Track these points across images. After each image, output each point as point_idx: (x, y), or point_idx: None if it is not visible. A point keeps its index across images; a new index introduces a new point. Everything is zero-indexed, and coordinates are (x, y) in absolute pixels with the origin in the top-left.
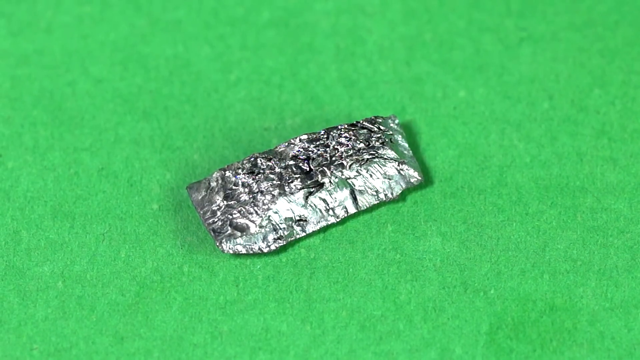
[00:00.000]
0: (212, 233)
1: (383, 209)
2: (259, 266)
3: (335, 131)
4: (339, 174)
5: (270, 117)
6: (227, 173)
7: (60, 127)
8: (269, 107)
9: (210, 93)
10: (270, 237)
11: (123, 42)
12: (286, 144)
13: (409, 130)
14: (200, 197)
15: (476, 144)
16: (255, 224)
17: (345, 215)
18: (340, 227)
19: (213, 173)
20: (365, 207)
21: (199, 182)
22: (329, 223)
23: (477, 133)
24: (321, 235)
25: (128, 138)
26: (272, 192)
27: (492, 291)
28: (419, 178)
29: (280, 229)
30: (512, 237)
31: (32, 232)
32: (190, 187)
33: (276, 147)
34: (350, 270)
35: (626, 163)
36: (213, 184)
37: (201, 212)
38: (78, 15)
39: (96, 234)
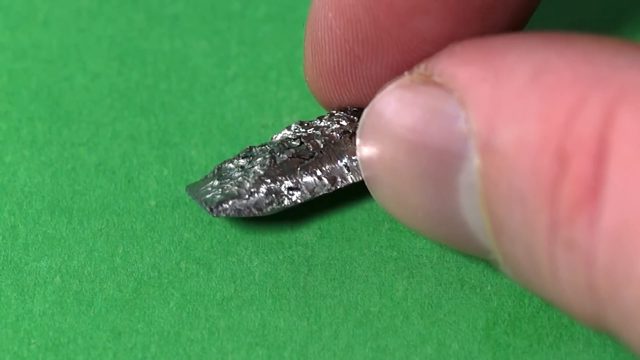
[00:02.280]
0: (203, 204)
1: (380, 206)
2: (256, 263)
3: (330, 117)
4: (333, 146)
5: (268, 113)
6: (223, 165)
7: (58, 122)
8: (266, 103)
9: (208, 89)
10: (263, 201)
11: (120, 36)
12: (280, 133)
13: None
14: (196, 187)
15: None
16: (246, 189)
17: (341, 184)
18: (337, 225)
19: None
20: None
21: (197, 182)
22: (325, 191)
23: None
24: (318, 232)
25: (125, 133)
26: (265, 163)
27: (488, 287)
28: None
29: (273, 192)
30: None
31: (30, 227)
32: (189, 186)
33: (271, 137)
34: (347, 267)
35: None
36: (209, 175)
37: (196, 196)
38: (75, 9)
39: (94, 230)
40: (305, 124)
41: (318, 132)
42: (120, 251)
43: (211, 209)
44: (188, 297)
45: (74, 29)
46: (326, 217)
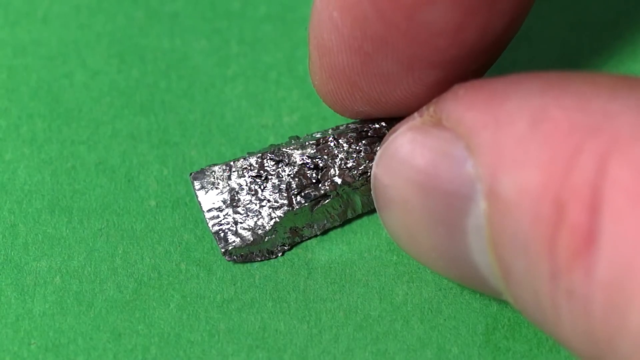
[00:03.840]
0: (216, 237)
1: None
2: (256, 265)
3: (343, 138)
4: (347, 187)
5: (267, 113)
6: (233, 174)
7: (58, 120)
8: (266, 103)
9: (208, 88)
10: (274, 246)
11: (120, 34)
12: (294, 145)
13: None
14: (205, 194)
15: None
16: (259, 234)
17: (352, 215)
18: (337, 229)
19: (216, 167)
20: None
21: (203, 173)
22: (335, 225)
23: None
24: (319, 236)
25: (125, 132)
26: (279, 201)
27: None
28: None
29: (284, 237)
30: None
31: (30, 226)
32: (194, 178)
33: (285, 146)
34: (347, 271)
35: None
36: (219, 182)
37: (205, 211)
38: (75, 6)
39: (94, 230)
40: (324, 150)
41: (335, 167)
42: (120, 252)
43: (225, 252)
44: (188, 299)
45: (74, 26)
46: None
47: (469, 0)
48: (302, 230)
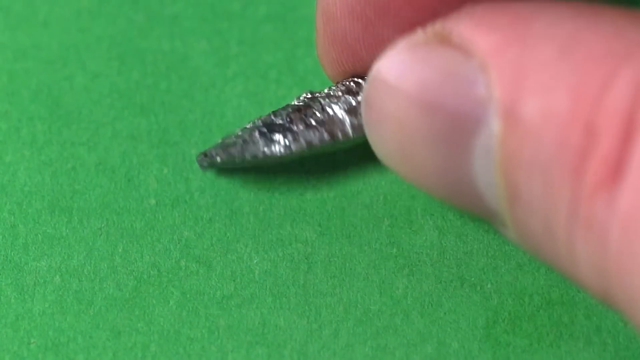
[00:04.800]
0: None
1: (380, 204)
2: (255, 261)
3: (337, 84)
4: (336, 101)
5: (267, 112)
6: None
7: (58, 122)
8: (266, 102)
9: (208, 88)
10: (257, 144)
11: (120, 36)
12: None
13: None
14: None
15: None
16: (237, 134)
17: (341, 138)
18: (337, 222)
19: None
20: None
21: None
22: (323, 144)
23: None
24: (318, 229)
25: (125, 133)
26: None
27: (488, 285)
28: None
29: (267, 138)
30: None
31: (30, 226)
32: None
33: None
34: (347, 265)
35: None
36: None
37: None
38: (75, 10)
39: (93, 229)
40: (315, 93)
41: (323, 95)
42: (120, 250)
43: (200, 161)
44: (188, 296)
45: (74, 29)
46: (326, 214)
47: None
48: (286, 139)
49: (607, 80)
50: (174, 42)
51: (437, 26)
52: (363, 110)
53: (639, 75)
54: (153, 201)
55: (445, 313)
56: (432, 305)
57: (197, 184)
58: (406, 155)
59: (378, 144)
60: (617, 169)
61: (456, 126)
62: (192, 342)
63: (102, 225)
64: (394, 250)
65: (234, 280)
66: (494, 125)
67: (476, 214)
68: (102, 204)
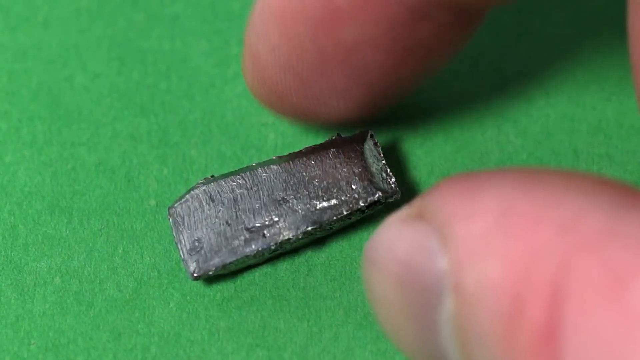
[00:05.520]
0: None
1: (380, 207)
2: None
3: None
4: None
5: (267, 112)
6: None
7: (58, 122)
8: None
9: (208, 88)
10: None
11: (120, 36)
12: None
13: (405, 126)
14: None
15: (473, 140)
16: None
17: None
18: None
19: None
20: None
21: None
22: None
23: (474, 129)
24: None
25: (125, 133)
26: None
27: None
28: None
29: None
30: None
31: (30, 227)
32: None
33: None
34: (347, 268)
35: (622, 160)
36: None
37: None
38: (75, 10)
39: (94, 230)
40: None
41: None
42: (120, 251)
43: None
44: (188, 298)
45: (74, 29)
46: None
47: (409, 44)
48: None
49: (537, 250)
50: (174, 42)
51: (417, 202)
52: (365, 285)
53: (569, 245)
54: (153, 202)
55: None
56: None
57: None
58: (394, 330)
59: (378, 319)
60: (548, 337)
61: (425, 300)
62: (192, 344)
63: (102, 226)
64: None
65: (234, 283)
66: (449, 298)
67: None
68: (102, 205)
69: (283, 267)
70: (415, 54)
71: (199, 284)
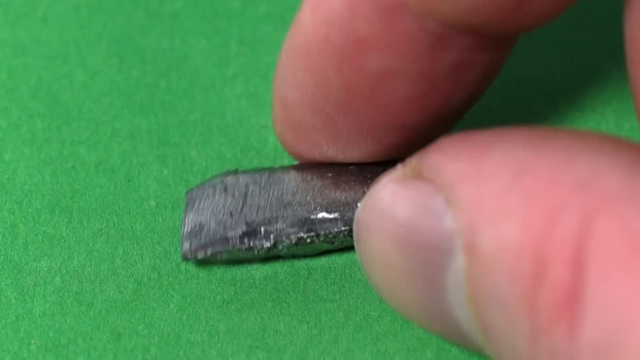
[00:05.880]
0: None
1: None
2: (256, 266)
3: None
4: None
5: (267, 113)
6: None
7: (58, 120)
8: (266, 103)
9: (208, 88)
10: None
11: (120, 33)
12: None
13: None
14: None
15: None
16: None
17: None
18: None
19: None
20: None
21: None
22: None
23: None
24: None
25: (125, 132)
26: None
27: None
28: None
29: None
30: None
31: (30, 226)
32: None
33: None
34: (347, 271)
35: None
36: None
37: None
38: (75, 6)
39: (94, 230)
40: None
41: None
42: (120, 252)
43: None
44: (188, 299)
45: (74, 26)
46: None
47: (434, 73)
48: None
49: (555, 211)
50: (174, 41)
51: (413, 161)
52: (357, 250)
53: (587, 206)
54: (153, 203)
55: None
56: None
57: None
58: (393, 291)
59: (372, 281)
60: (572, 297)
61: (430, 261)
62: (192, 345)
63: (103, 226)
64: None
65: (234, 285)
66: (460, 258)
67: (473, 350)
68: (102, 205)
69: (283, 270)
70: (442, 83)
71: (199, 285)
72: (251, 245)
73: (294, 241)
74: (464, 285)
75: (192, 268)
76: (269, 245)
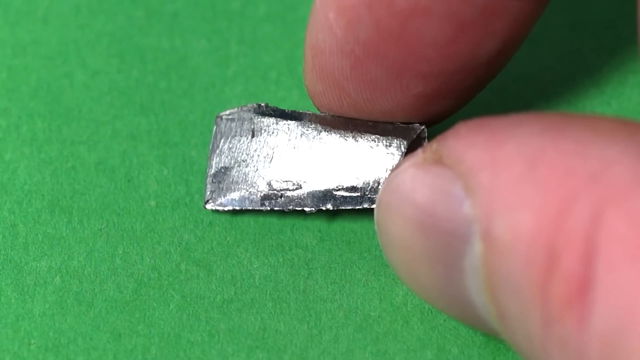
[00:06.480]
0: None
1: None
2: (256, 265)
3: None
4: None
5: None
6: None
7: (58, 120)
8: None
9: (208, 88)
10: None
11: (120, 33)
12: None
13: None
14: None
15: None
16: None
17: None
18: (337, 228)
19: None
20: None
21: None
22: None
23: None
24: (318, 235)
25: (125, 132)
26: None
27: None
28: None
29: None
30: None
31: (30, 226)
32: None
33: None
34: (347, 271)
35: None
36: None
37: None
38: (75, 6)
39: (94, 230)
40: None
41: None
42: (120, 252)
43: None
44: (188, 299)
45: (74, 26)
46: (326, 220)
47: (463, 15)
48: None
49: (568, 202)
50: (174, 41)
51: (433, 146)
52: (377, 232)
53: (598, 196)
54: (153, 203)
55: (445, 319)
56: (431, 311)
57: (197, 187)
58: (412, 274)
59: (392, 264)
60: (583, 288)
61: (449, 245)
62: (192, 345)
63: (103, 226)
64: None
65: (234, 285)
66: (477, 244)
67: (490, 334)
68: (102, 205)
69: (283, 270)
70: (471, 29)
71: (199, 285)
72: (273, 208)
73: (314, 211)
74: (481, 271)
75: (192, 268)
76: (289, 209)
